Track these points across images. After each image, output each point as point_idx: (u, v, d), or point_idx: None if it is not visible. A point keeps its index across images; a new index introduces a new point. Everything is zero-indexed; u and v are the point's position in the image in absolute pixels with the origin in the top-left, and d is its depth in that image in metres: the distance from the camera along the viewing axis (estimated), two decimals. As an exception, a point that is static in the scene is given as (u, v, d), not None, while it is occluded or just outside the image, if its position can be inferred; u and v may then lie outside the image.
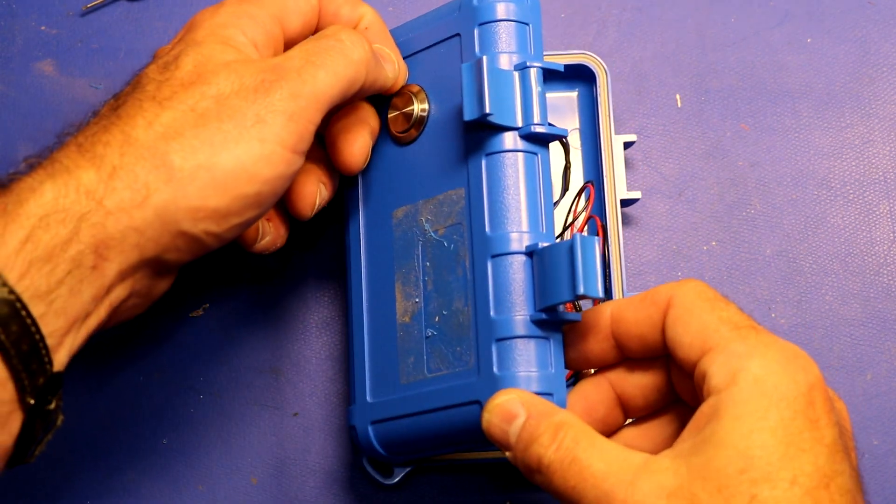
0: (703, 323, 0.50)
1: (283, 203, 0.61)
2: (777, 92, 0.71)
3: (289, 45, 0.59)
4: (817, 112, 0.71)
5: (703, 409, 0.48)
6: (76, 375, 0.67)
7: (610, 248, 0.64)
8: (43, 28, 0.73)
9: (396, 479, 0.64)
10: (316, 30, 0.60)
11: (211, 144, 0.51)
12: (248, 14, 0.56)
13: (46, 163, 0.50)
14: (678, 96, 0.72)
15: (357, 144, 0.60)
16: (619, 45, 0.72)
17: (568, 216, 0.63)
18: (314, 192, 0.60)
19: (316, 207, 0.60)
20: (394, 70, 0.60)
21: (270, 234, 0.61)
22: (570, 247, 0.52)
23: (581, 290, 0.52)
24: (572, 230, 0.62)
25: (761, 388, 0.46)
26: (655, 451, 0.48)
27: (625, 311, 0.53)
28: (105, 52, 0.72)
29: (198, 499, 0.66)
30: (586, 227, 0.63)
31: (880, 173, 0.70)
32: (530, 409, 0.51)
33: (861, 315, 0.68)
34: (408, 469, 0.64)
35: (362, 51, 0.56)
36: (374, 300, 0.61)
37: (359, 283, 0.62)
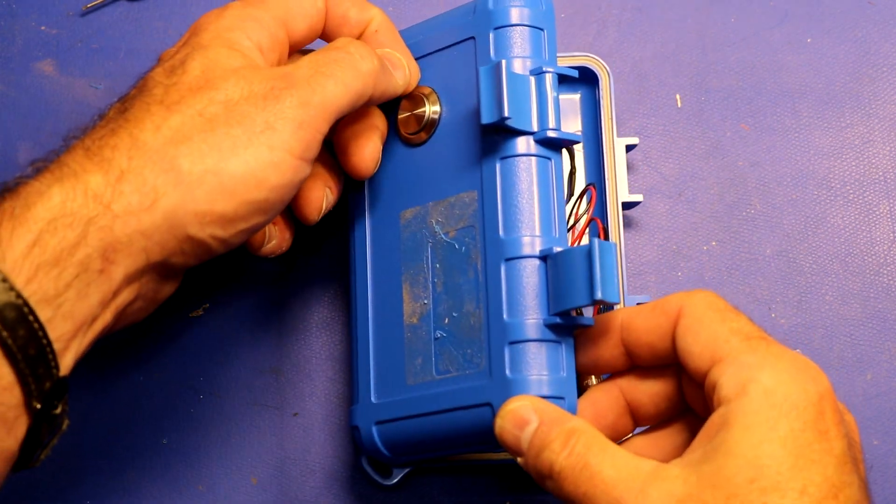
0: (713, 333, 0.50)
1: (288, 207, 0.61)
2: (777, 92, 0.71)
3: (294, 48, 0.59)
4: (817, 112, 0.71)
5: (714, 419, 0.48)
6: (76, 375, 0.67)
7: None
8: (43, 28, 0.73)
9: (395, 480, 0.64)
10: (323, 33, 0.60)
11: (219, 149, 0.51)
12: (253, 17, 0.56)
13: (54, 166, 0.49)
14: (678, 96, 0.72)
15: (368, 150, 0.60)
16: (619, 45, 0.72)
17: (569, 218, 0.63)
18: (321, 198, 0.60)
19: (322, 212, 0.60)
20: (405, 76, 0.60)
21: (276, 237, 0.61)
22: (588, 251, 0.52)
23: (599, 296, 0.52)
24: (573, 233, 0.62)
25: (771, 399, 0.47)
26: (665, 461, 0.48)
27: (635, 319, 0.53)
28: (105, 52, 0.72)
29: (198, 499, 0.66)
30: (587, 230, 0.63)
31: (880, 173, 0.70)
32: (543, 415, 0.51)
33: (861, 315, 0.68)
34: (406, 470, 0.64)
35: (371, 64, 0.56)
36: (379, 301, 0.61)
37: (364, 284, 0.62)
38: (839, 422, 0.47)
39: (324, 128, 0.54)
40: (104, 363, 0.68)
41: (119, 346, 0.68)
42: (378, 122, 0.61)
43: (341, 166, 0.61)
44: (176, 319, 0.69)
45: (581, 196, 0.63)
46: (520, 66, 0.57)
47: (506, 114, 0.55)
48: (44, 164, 0.50)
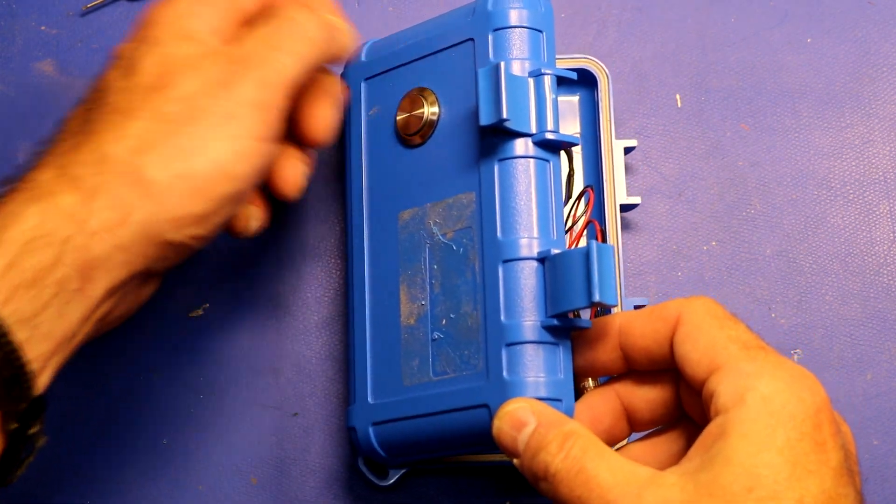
0: (711, 341, 0.50)
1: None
2: (777, 92, 0.71)
3: (247, 20, 0.57)
4: (817, 112, 0.71)
5: (711, 427, 0.48)
6: (76, 375, 0.67)
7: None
8: (43, 28, 0.73)
9: (391, 481, 0.64)
10: None
11: (184, 150, 0.50)
12: (204, 1, 0.55)
13: (26, 185, 0.49)
14: (678, 96, 0.71)
15: (323, 117, 0.58)
16: (619, 46, 0.72)
17: (567, 220, 0.63)
18: (297, 173, 0.59)
19: (301, 185, 0.59)
20: (346, 38, 0.58)
21: (257, 216, 0.59)
22: (587, 254, 0.52)
23: (597, 298, 0.52)
24: (571, 235, 0.62)
25: (769, 409, 0.47)
26: (661, 468, 0.48)
27: (633, 323, 0.53)
28: (105, 52, 0.72)
29: (198, 499, 0.66)
30: (585, 232, 0.63)
31: (880, 173, 0.70)
32: (540, 417, 0.51)
33: (861, 315, 0.68)
34: (403, 471, 0.64)
35: (317, 28, 0.55)
36: (376, 301, 0.61)
37: (361, 284, 0.62)
38: (836, 433, 0.47)
39: (284, 104, 0.53)
40: (104, 363, 0.68)
41: (119, 345, 0.68)
42: (330, 86, 0.59)
43: (298, 137, 0.59)
44: (176, 319, 0.69)
45: (579, 198, 0.63)
46: (518, 68, 0.57)
47: (504, 115, 0.55)
48: (14, 180, 0.50)
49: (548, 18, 0.59)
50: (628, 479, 0.47)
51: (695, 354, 0.50)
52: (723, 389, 0.48)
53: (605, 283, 0.52)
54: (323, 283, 0.69)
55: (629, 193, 0.68)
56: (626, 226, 0.69)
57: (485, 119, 0.56)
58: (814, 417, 0.47)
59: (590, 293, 0.52)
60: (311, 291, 0.69)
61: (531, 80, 0.57)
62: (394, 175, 0.62)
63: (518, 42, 0.58)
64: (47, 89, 0.72)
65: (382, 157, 0.62)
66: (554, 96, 0.57)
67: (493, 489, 0.66)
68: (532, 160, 0.56)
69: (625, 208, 0.66)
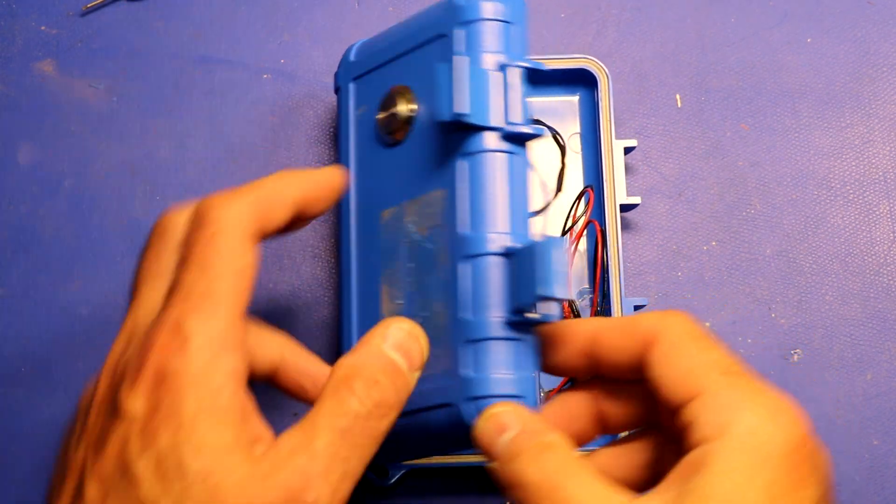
0: (690, 364, 0.48)
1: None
2: (777, 92, 0.71)
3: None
4: (817, 112, 0.71)
5: (690, 458, 0.46)
6: (77, 374, 0.67)
7: (609, 253, 0.64)
8: (43, 28, 0.73)
9: (391, 481, 0.64)
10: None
11: None
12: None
13: None
14: (678, 96, 0.71)
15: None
16: (619, 46, 0.72)
17: (567, 220, 0.63)
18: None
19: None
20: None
21: None
22: (531, 248, 0.52)
23: (538, 292, 0.51)
24: (571, 234, 0.62)
25: (752, 443, 0.45)
26: (630, 479, 0.47)
27: (604, 335, 0.51)
28: (105, 52, 0.72)
29: (198, 499, 0.66)
30: (585, 232, 0.63)
31: (880, 173, 0.70)
32: (524, 424, 0.49)
33: (861, 315, 0.68)
34: (403, 471, 0.64)
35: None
36: (363, 301, 0.61)
37: (349, 285, 0.61)
38: (816, 467, 0.46)
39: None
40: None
41: (119, 346, 0.68)
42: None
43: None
44: (176, 319, 0.68)
45: (579, 198, 0.63)
46: (490, 62, 0.56)
47: (461, 110, 0.53)
48: None
49: (518, 11, 0.57)
50: None
51: (672, 377, 0.48)
52: (703, 420, 0.46)
53: (548, 277, 0.50)
54: (323, 283, 0.69)
55: (629, 193, 0.68)
56: (626, 226, 0.69)
57: (443, 114, 0.55)
58: (796, 453, 0.46)
59: (534, 287, 0.51)
60: (311, 291, 0.69)
61: (497, 74, 0.56)
62: (377, 174, 0.61)
63: (489, 35, 0.56)
64: (47, 89, 0.72)
65: (367, 156, 0.61)
66: (523, 89, 0.56)
67: (493, 489, 0.66)
68: (498, 154, 0.55)
69: (625, 208, 0.66)
